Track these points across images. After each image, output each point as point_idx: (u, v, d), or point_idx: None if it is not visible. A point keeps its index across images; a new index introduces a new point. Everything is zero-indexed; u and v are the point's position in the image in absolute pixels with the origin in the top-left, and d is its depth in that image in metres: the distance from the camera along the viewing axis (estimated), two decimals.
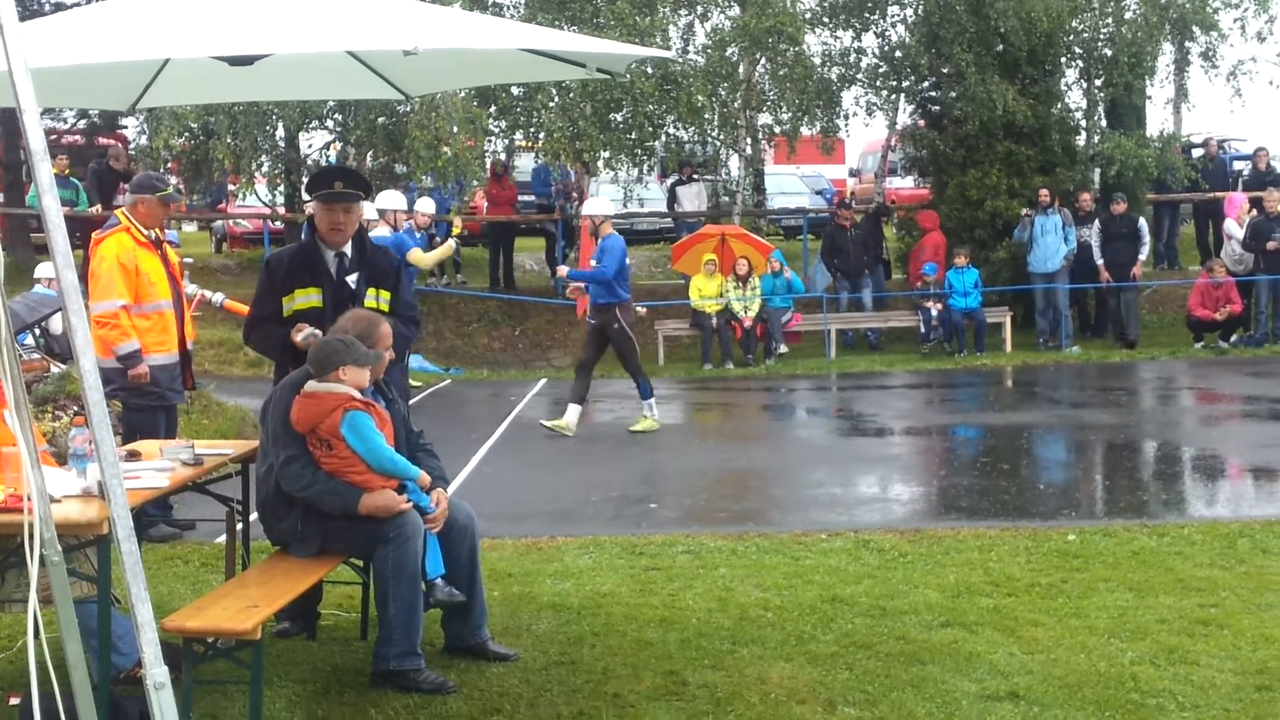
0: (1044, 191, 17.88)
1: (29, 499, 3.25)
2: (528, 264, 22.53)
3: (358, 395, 5.14)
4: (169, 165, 19.18)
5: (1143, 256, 17.87)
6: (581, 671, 5.31)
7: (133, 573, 3.09)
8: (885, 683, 5.11)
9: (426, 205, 15.23)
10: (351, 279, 5.74)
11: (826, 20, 21.06)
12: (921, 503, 9.28)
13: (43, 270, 12.47)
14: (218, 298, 10.96)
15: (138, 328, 7.68)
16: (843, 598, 6.32)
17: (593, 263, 11.80)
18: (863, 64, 21.20)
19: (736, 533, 7.93)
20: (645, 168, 21.86)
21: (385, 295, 5.80)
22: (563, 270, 13.35)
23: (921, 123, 20.71)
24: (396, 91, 6.17)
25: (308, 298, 5.68)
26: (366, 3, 4.78)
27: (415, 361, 15.46)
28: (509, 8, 20.00)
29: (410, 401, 8.39)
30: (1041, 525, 7.95)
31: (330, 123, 20.63)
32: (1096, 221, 17.77)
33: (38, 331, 11.32)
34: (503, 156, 22.26)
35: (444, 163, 17.70)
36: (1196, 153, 21.74)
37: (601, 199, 13.64)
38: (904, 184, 25.04)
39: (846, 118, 21.60)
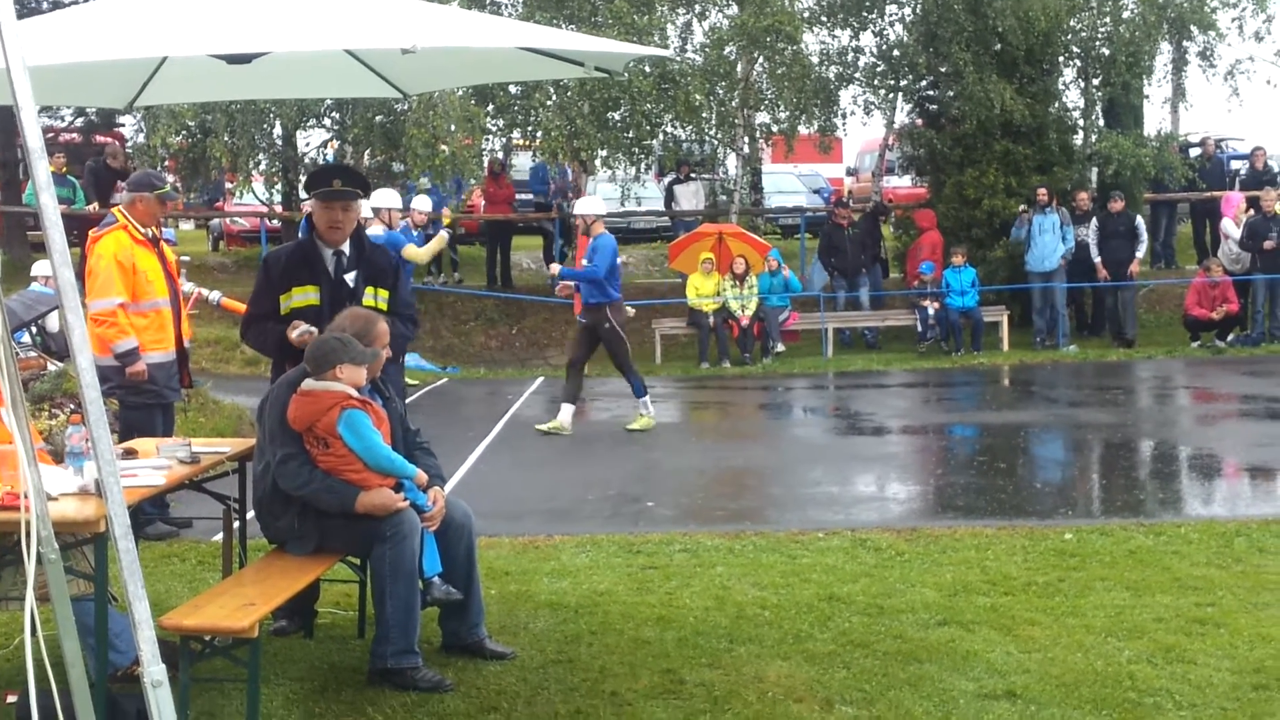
0: (1041, 190, 17.86)
1: (26, 497, 3.25)
2: (525, 262, 22.50)
3: (355, 394, 5.14)
4: (166, 163, 19.16)
5: (1140, 255, 17.84)
6: (579, 670, 5.31)
7: (130, 571, 3.09)
8: (882, 681, 5.12)
9: (423, 203, 15.21)
10: (350, 277, 5.74)
11: (824, 19, 21.03)
12: (918, 501, 9.28)
13: (40, 268, 12.43)
14: (215, 296, 10.96)
15: (135, 326, 7.68)
16: (840, 596, 6.33)
17: (584, 262, 11.80)
18: (860, 63, 21.21)
19: (733, 531, 7.93)
20: (643, 166, 21.87)
21: (383, 294, 5.80)
22: (554, 269, 13.36)
23: (919, 122, 20.68)
24: (394, 90, 6.17)
25: (305, 296, 5.68)
26: (364, 1, 4.78)
27: (412, 360, 15.44)
28: (507, 6, 19.97)
29: (407, 400, 8.38)
30: (1038, 524, 7.96)
31: (328, 121, 20.62)
32: (1094, 220, 17.74)
33: (35, 329, 11.30)
34: (500, 155, 22.24)
35: (441, 161, 17.67)
36: (1194, 152, 21.74)
37: (593, 198, 13.63)
38: (901, 183, 25.06)
39: (844, 117, 21.62)
